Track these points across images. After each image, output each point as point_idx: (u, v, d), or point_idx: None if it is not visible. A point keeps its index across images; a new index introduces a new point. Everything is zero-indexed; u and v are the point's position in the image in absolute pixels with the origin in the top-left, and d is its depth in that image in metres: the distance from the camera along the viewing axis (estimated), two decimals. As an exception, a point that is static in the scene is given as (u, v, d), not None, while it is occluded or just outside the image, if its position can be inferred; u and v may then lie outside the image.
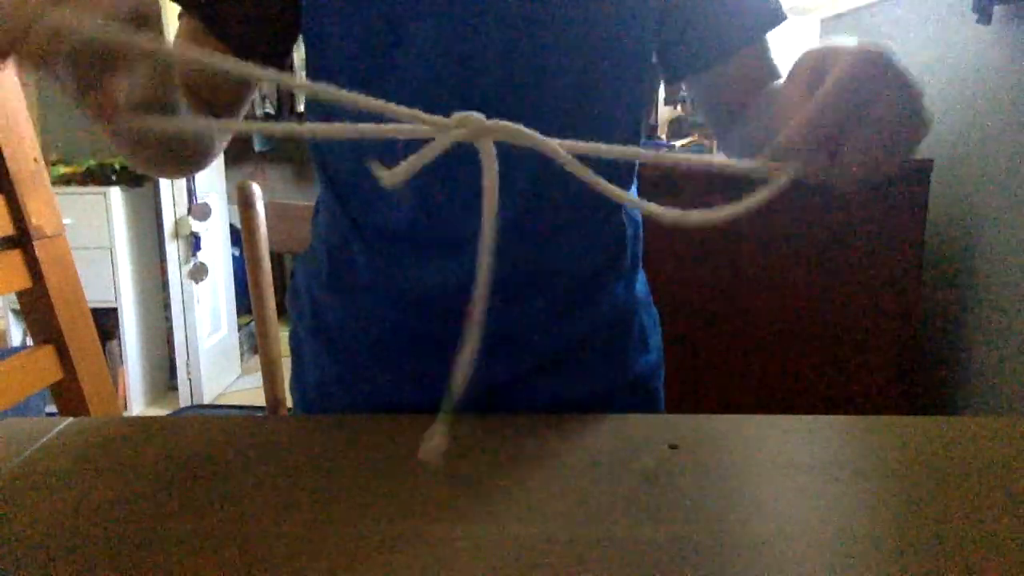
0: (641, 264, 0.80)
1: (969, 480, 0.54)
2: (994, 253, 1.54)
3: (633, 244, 0.78)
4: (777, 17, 0.73)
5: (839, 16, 2.21)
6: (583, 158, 0.68)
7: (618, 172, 0.73)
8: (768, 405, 1.62)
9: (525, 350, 0.72)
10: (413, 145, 0.66)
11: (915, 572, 0.43)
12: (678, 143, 2.15)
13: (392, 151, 0.67)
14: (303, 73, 0.74)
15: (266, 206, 1.04)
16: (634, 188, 0.80)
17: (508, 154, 0.66)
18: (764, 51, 0.73)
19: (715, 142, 2.00)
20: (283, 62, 0.70)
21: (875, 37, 2.00)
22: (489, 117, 0.64)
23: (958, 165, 1.65)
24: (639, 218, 0.80)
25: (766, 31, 0.73)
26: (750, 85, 0.72)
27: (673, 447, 0.60)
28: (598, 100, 0.68)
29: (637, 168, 0.77)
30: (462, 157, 0.67)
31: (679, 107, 2.32)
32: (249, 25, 0.66)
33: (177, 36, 0.66)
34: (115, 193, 2.82)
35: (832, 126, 0.44)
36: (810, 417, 0.66)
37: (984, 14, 1.46)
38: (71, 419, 0.66)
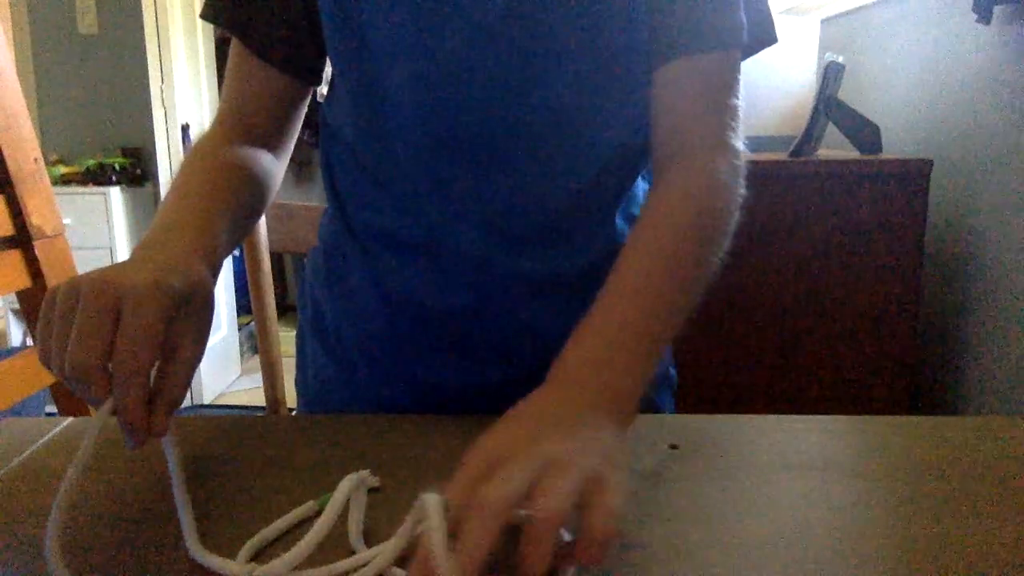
0: None
1: (969, 480, 0.54)
2: (994, 253, 1.54)
3: None
4: (734, 38, 0.63)
5: (839, 16, 2.21)
6: (580, 162, 0.68)
7: (618, 178, 0.73)
8: (768, 405, 1.62)
9: (519, 353, 0.72)
10: (412, 151, 0.67)
11: (915, 572, 0.43)
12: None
13: (392, 154, 0.68)
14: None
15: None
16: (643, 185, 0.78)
17: (486, 159, 0.66)
18: (707, 72, 0.63)
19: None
20: (318, 77, 0.72)
21: (875, 37, 2.00)
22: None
23: (958, 165, 1.65)
24: None
25: (724, 47, 0.63)
26: (676, 103, 0.64)
27: (673, 447, 0.60)
28: (596, 119, 0.66)
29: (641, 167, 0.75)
30: (452, 163, 0.67)
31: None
32: (279, 37, 0.68)
33: (229, 60, 0.70)
34: (115, 193, 2.82)
35: None
36: (810, 417, 0.66)
37: (984, 14, 1.46)
38: (71, 419, 0.66)
